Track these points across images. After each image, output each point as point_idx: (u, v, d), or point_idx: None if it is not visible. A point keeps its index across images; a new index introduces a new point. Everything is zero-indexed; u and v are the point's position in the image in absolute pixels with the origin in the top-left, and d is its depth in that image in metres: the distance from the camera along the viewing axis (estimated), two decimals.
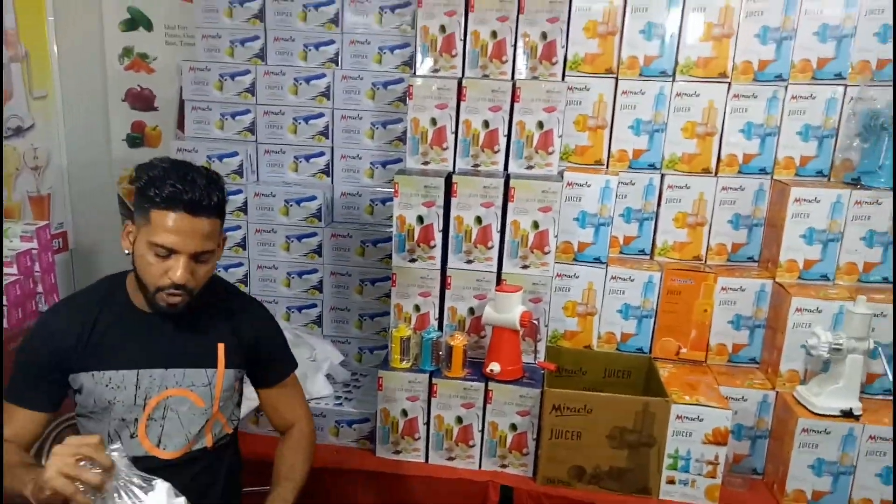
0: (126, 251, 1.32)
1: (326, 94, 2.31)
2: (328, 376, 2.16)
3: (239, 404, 1.50)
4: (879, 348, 1.80)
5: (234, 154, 2.30)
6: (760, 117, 2.07)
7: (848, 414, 1.78)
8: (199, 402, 1.37)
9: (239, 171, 2.32)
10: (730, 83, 2.06)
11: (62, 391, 1.36)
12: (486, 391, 1.92)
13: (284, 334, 1.56)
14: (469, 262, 2.00)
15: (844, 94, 2.02)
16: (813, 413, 1.80)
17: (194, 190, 1.23)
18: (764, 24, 2.02)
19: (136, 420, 1.34)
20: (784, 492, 1.84)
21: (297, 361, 1.56)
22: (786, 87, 2.04)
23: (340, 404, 2.09)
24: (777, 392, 1.94)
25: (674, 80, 2.08)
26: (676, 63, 2.07)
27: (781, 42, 2.02)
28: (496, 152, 2.05)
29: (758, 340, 2.06)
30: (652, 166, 2.14)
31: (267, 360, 1.50)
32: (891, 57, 1.99)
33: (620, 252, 2.20)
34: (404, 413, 1.97)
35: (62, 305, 1.41)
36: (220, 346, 1.39)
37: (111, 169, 2.69)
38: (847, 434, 1.78)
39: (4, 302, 2.02)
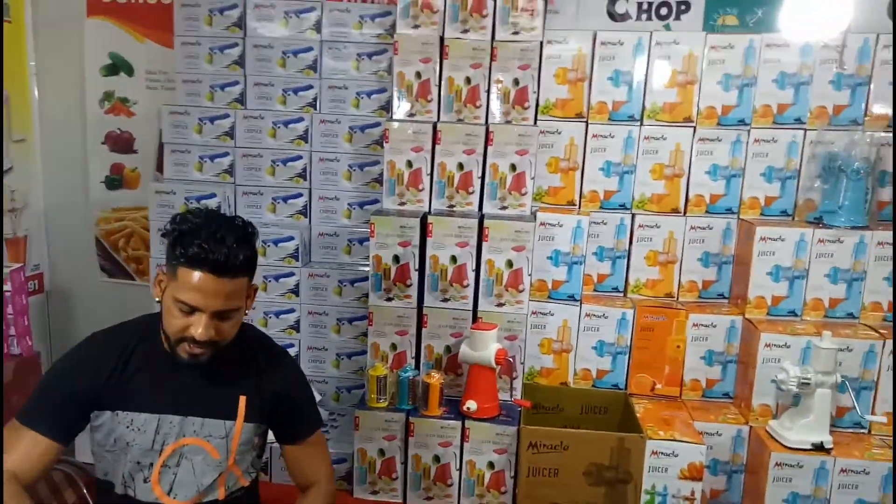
0: (156, 299, 1.32)
1: (304, 137, 2.36)
2: None
3: (260, 457, 1.48)
4: (847, 382, 1.84)
5: (212, 195, 2.32)
6: (725, 159, 2.15)
7: (819, 447, 1.80)
8: (214, 454, 1.35)
9: None
10: (695, 127, 2.15)
11: (80, 426, 1.35)
12: (464, 429, 1.91)
13: (313, 391, 1.54)
14: (445, 300, 2.02)
15: (804, 137, 2.11)
16: (785, 447, 1.82)
17: (220, 250, 1.21)
18: (726, 71, 2.12)
19: (152, 465, 1.33)
20: None
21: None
22: (748, 131, 2.13)
23: None
24: (750, 426, 1.96)
25: (641, 124, 2.16)
26: (643, 108, 2.16)
27: (743, 89, 2.12)
28: (471, 193, 2.10)
29: (730, 375, 2.10)
30: (623, 206, 2.20)
31: (291, 417, 1.47)
32: (846, 103, 2.10)
33: (595, 290, 2.24)
34: (381, 452, 1.95)
35: (100, 338, 1.38)
36: (242, 399, 1.37)
37: (89, 211, 2.70)
38: (819, 467, 1.80)
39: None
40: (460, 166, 2.09)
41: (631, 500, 1.82)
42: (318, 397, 2.20)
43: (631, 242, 2.21)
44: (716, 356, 2.09)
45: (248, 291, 1.33)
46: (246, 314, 1.36)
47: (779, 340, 1.92)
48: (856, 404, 1.84)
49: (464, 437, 1.91)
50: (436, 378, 1.93)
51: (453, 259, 2.00)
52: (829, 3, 2.05)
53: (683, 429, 1.89)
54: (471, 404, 1.90)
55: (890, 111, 2.07)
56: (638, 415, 1.95)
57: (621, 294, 2.23)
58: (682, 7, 2.24)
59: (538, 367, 2.15)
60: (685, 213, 2.18)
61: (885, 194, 2.09)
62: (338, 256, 2.37)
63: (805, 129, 2.11)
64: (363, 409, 1.95)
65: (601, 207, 2.21)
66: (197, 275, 1.22)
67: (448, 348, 2.03)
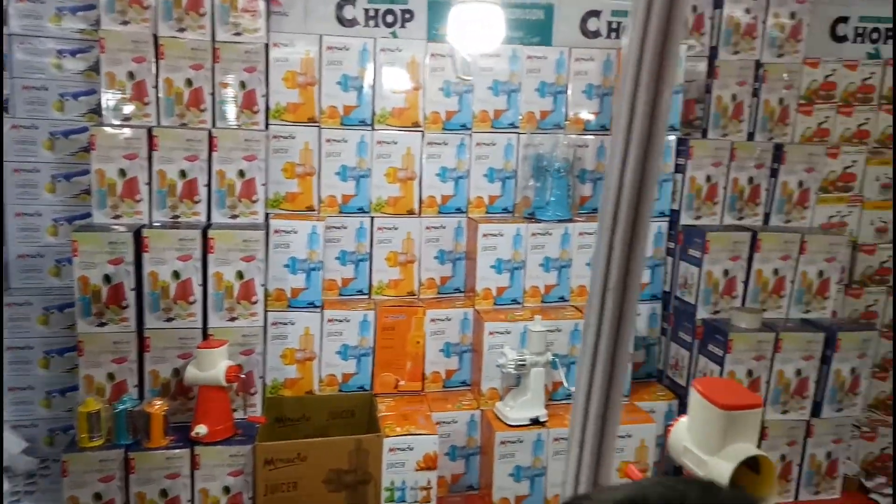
0: None
1: None
2: (5, 469, 1.85)
3: None
4: (557, 360, 2.06)
5: None
6: (452, 162, 2.28)
7: (536, 421, 1.99)
8: None
9: None
10: (423, 132, 2.24)
11: None
12: (193, 457, 1.79)
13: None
14: (170, 319, 1.88)
15: (518, 141, 2.32)
16: (508, 425, 1.99)
17: None
18: (446, 79, 2.24)
19: None
20: (492, 502, 1.99)
21: None
22: (471, 135, 2.28)
23: (18, 501, 1.80)
24: (482, 410, 2.11)
25: (373, 129, 2.21)
26: (374, 113, 2.20)
27: (463, 95, 2.26)
28: (196, 202, 1.98)
29: (467, 364, 2.23)
30: (361, 210, 2.23)
31: None
32: (550, 109, 2.34)
33: (340, 294, 2.24)
34: (97, 497, 1.75)
35: None
36: None
37: None
38: (536, 440, 1.99)
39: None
40: (182, 174, 1.96)
41: (371, 499, 1.85)
42: (22, 445, 1.93)
43: (372, 245, 2.25)
44: (453, 348, 2.21)
45: None
46: None
47: (501, 328, 2.08)
48: (564, 379, 2.07)
49: (194, 465, 1.79)
50: (157, 406, 1.77)
51: (175, 274, 1.87)
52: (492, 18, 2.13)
53: (420, 421, 1.96)
54: (200, 429, 1.78)
55: (590, 116, 2.36)
56: (381, 414, 1.99)
57: (367, 296, 2.26)
58: (407, 16, 2.32)
59: (281, 378, 2.09)
60: (420, 213, 2.27)
61: (586, 190, 2.39)
62: (44, 280, 2.09)
63: (518, 133, 2.31)
64: (72, 451, 1.73)
65: (340, 212, 2.22)
66: None
67: (176, 371, 1.89)
